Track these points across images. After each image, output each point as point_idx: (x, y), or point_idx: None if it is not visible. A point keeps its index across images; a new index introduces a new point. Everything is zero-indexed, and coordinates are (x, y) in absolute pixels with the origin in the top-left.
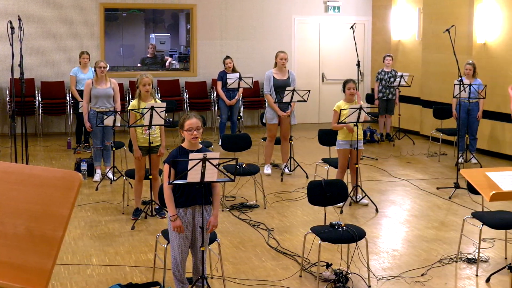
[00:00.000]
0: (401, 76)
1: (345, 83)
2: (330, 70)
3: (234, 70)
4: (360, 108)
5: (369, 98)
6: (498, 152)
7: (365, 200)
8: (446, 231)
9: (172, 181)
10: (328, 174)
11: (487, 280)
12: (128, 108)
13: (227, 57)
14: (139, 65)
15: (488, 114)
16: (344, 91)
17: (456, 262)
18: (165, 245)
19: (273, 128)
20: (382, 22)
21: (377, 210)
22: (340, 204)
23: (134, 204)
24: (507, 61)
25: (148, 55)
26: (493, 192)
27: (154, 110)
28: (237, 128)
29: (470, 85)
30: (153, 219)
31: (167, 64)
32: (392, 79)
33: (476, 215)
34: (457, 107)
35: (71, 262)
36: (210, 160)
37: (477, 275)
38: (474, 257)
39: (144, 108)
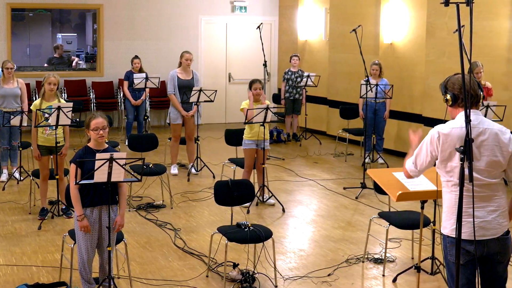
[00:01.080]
0: (308, 76)
1: (252, 83)
2: (237, 70)
3: (141, 70)
4: (267, 108)
5: (276, 98)
6: (405, 152)
7: (271, 200)
8: (352, 231)
9: (79, 181)
10: (234, 174)
11: (394, 280)
12: (31, 107)
13: (136, 57)
14: (46, 65)
15: (394, 114)
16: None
17: (363, 262)
18: (72, 245)
19: (177, 128)
20: (288, 22)
21: (283, 210)
22: (247, 204)
23: (40, 204)
24: (413, 61)
25: (55, 55)
26: (400, 192)
27: (61, 110)
28: (143, 128)
29: (376, 85)
30: (60, 219)
31: (74, 64)
32: (299, 79)
33: (382, 215)
34: (364, 107)
35: None
36: (116, 160)
37: (383, 275)
38: (380, 257)
39: (51, 108)
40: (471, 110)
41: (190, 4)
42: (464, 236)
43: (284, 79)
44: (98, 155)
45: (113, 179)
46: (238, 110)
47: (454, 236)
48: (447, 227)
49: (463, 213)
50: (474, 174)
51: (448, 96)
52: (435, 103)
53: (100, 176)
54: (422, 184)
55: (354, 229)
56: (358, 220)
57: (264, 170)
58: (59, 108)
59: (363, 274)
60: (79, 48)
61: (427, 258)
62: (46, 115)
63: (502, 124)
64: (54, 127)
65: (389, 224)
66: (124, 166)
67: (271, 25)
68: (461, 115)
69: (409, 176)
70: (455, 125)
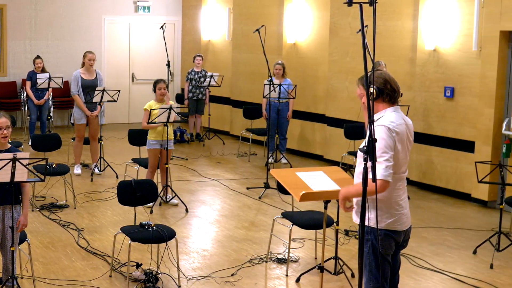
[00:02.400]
0: (211, 76)
1: (156, 83)
2: (140, 70)
3: (43, 70)
4: (170, 108)
5: (179, 98)
6: (308, 152)
7: (175, 200)
8: (256, 231)
9: None
10: (138, 174)
11: (297, 280)
12: None
13: (38, 57)
14: None
15: (298, 114)
16: (154, 91)
17: (266, 262)
18: None
19: (81, 128)
20: (192, 22)
21: (187, 210)
22: (150, 204)
23: None
24: (316, 61)
25: None
26: (303, 192)
27: None
28: (46, 128)
29: (280, 85)
30: None
31: None
32: (202, 79)
33: (286, 215)
34: (267, 107)
35: None
36: (20, 160)
37: (287, 275)
38: (284, 257)
39: None
40: (394, 107)
41: (93, 4)
42: (401, 227)
43: (188, 79)
44: (1, 155)
45: (16, 179)
46: (142, 110)
47: (390, 229)
48: (382, 221)
49: (397, 207)
50: (404, 168)
51: (373, 90)
52: (338, 103)
53: (3, 176)
54: (325, 184)
55: (257, 229)
56: (262, 220)
57: (167, 170)
58: None
59: (267, 274)
60: None
61: (331, 258)
62: None
63: None
64: None
65: (292, 224)
66: (27, 166)
67: (174, 25)
68: (390, 111)
69: (386, 185)
70: (397, 121)
